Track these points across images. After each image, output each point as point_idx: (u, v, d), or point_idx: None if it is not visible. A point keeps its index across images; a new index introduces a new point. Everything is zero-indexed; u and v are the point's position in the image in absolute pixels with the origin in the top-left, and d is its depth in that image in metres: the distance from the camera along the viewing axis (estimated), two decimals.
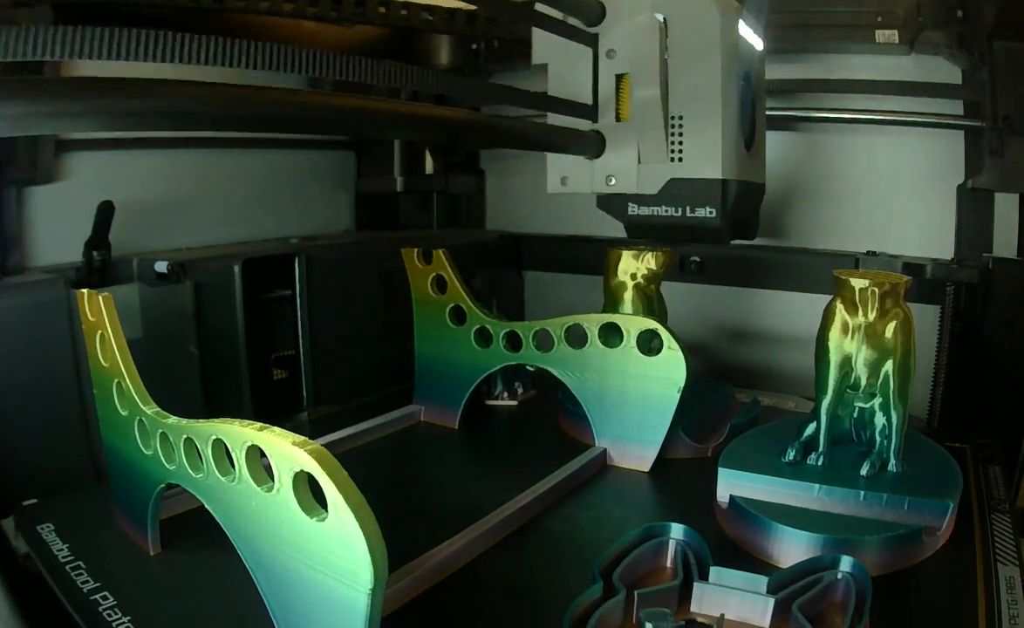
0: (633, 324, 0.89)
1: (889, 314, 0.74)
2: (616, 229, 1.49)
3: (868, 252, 1.22)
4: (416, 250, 1.05)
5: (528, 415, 1.12)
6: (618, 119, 0.86)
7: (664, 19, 0.83)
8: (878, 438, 0.77)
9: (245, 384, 1.07)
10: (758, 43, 0.91)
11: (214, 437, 0.58)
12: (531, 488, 0.81)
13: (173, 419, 0.63)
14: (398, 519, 0.75)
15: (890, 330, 0.74)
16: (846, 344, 0.76)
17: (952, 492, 0.72)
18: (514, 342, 0.99)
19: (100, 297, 0.69)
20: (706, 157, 0.83)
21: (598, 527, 0.77)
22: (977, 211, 1.18)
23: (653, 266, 0.98)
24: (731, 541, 0.73)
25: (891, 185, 1.26)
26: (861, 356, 0.75)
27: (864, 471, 0.74)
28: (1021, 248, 1.14)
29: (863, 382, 0.76)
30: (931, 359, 1.15)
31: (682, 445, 0.92)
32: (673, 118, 0.84)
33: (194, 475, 0.61)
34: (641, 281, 0.99)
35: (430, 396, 1.07)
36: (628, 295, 0.99)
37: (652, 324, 0.88)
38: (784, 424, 0.87)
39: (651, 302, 1.00)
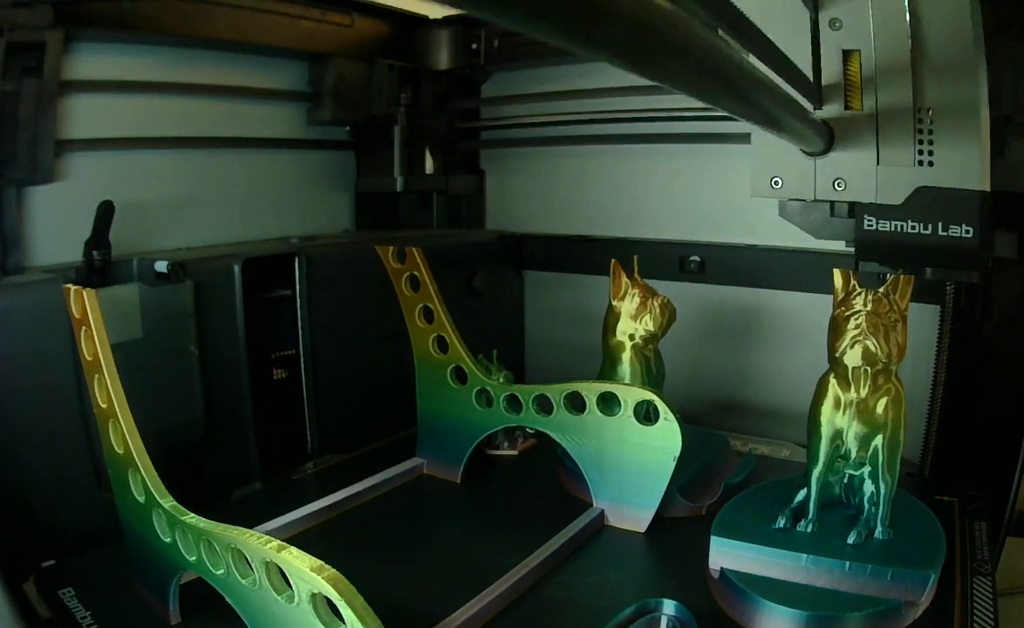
0: (630, 394, 0.91)
1: (881, 390, 0.76)
2: (613, 230, 1.50)
3: None
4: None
5: (528, 466, 1.14)
6: (847, 108, 0.70)
7: None
8: (866, 505, 0.79)
9: (245, 384, 1.07)
10: None
11: (233, 546, 0.59)
12: (531, 556, 0.83)
13: (191, 517, 0.65)
14: (400, 588, 0.78)
15: (881, 406, 0.77)
16: (838, 419, 0.78)
17: (935, 562, 0.74)
18: (515, 405, 1.01)
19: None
20: (963, 162, 0.70)
21: (596, 596, 0.79)
22: None
23: (651, 328, 1.00)
24: (722, 612, 0.75)
25: None
26: (852, 430, 0.78)
27: (851, 540, 0.77)
28: (1021, 248, 1.14)
29: (853, 454, 0.78)
30: (931, 359, 1.15)
31: (678, 505, 0.94)
32: (920, 112, 0.70)
33: (214, 571, 0.62)
34: (639, 342, 1.01)
35: (432, 451, 1.10)
36: (626, 355, 1.01)
37: (649, 396, 0.90)
38: (776, 484, 0.90)
39: (649, 362, 1.02)
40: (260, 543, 0.56)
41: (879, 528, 0.78)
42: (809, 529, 0.79)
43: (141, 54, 1.10)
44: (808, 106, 0.67)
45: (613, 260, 1.02)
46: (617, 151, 1.47)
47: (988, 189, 0.70)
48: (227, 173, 1.22)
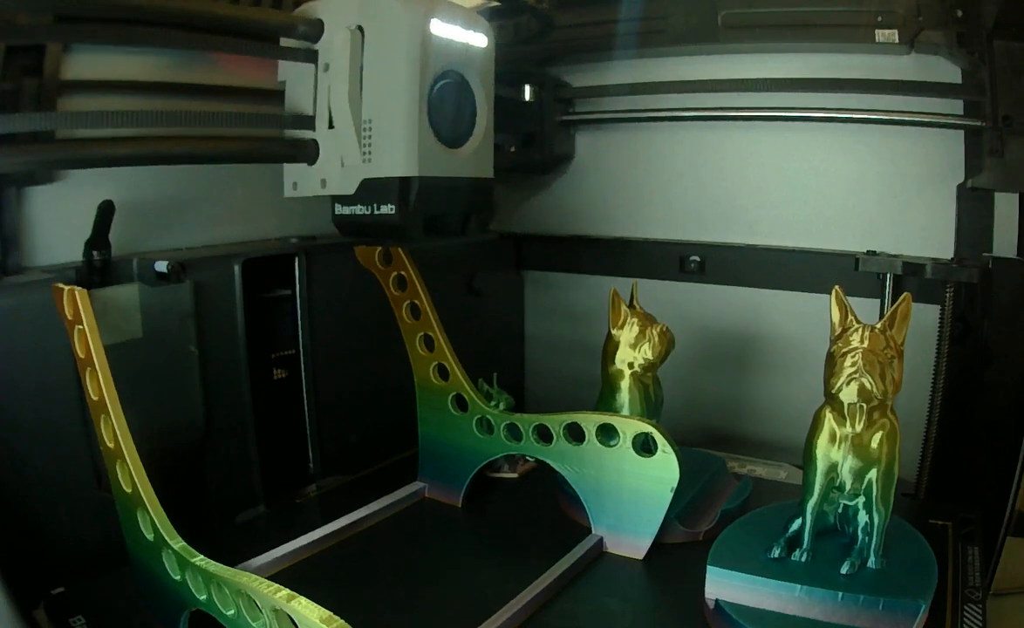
0: (629, 426, 0.93)
1: (876, 424, 0.77)
2: (613, 230, 1.50)
3: (868, 252, 1.22)
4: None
5: (528, 490, 1.15)
6: (331, 127, 0.92)
7: (362, 28, 0.88)
8: (860, 534, 0.80)
9: (245, 384, 1.07)
10: (478, 40, 0.94)
11: (243, 592, 0.60)
12: (532, 584, 0.84)
13: (201, 559, 0.65)
14: (403, 619, 0.79)
15: (876, 440, 0.78)
16: (833, 452, 0.79)
17: (926, 592, 0.75)
18: (515, 433, 1.02)
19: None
20: (388, 156, 0.89)
21: (595, 624, 0.80)
22: (977, 211, 1.18)
23: (650, 356, 1.01)
24: None
25: (891, 184, 1.26)
26: (847, 464, 0.79)
27: (844, 570, 0.78)
28: (1021, 248, 1.14)
29: (848, 486, 0.79)
30: (931, 359, 1.15)
31: (676, 531, 0.96)
32: (366, 122, 0.90)
33: (224, 611, 0.63)
34: (638, 370, 1.02)
35: (433, 475, 1.11)
36: (625, 383, 1.02)
37: (647, 428, 0.91)
38: (772, 511, 0.91)
39: (648, 389, 1.03)
40: (270, 591, 0.57)
41: (872, 558, 0.79)
42: (803, 559, 0.80)
43: (141, 54, 1.10)
44: (311, 132, 0.94)
45: (612, 288, 1.03)
46: (617, 151, 1.47)
47: (410, 175, 0.89)
48: (227, 173, 1.21)
